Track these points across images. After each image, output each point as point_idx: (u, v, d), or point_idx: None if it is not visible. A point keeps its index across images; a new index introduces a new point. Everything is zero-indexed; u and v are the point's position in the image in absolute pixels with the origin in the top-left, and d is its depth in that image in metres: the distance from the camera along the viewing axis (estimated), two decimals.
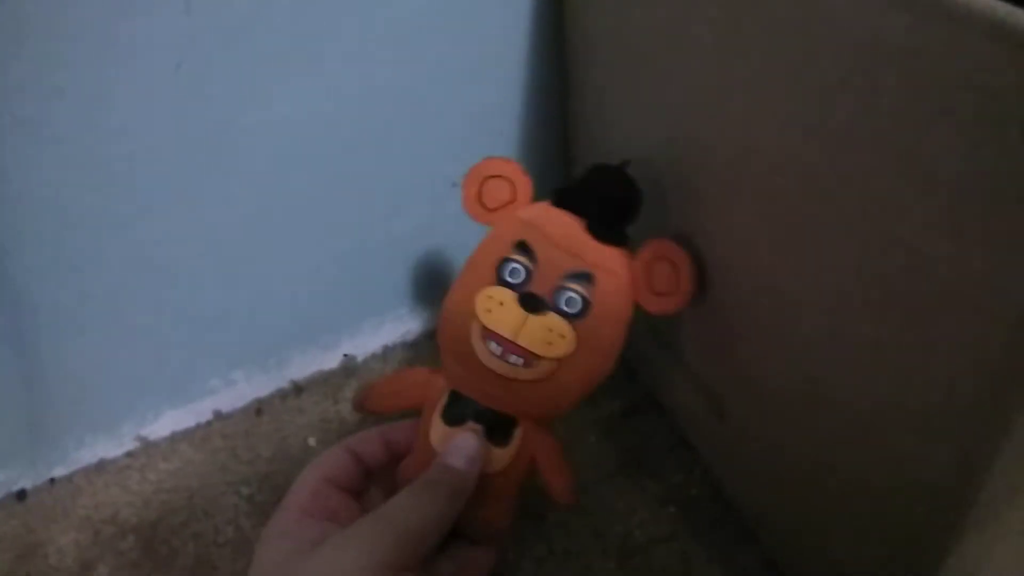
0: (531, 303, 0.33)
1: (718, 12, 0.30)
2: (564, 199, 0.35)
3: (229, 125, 0.38)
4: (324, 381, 0.49)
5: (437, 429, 0.35)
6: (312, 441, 0.46)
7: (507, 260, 0.34)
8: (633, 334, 0.35)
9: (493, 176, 0.36)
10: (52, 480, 0.44)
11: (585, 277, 0.33)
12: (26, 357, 0.40)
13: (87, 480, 0.44)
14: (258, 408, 0.48)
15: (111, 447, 0.45)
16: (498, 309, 0.33)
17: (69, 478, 0.44)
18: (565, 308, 0.33)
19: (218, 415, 0.47)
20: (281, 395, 0.49)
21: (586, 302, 0.33)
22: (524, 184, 0.36)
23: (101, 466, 0.45)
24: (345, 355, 0.50)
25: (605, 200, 0.35)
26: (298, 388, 0.49)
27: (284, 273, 0.45)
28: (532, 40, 0.44)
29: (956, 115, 0.21)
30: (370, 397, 0.38)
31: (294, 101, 0.39)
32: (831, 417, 0.31)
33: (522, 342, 0.33)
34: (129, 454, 0.46)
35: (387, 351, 0.51)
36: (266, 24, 0.36)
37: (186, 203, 0.40)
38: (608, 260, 0.34)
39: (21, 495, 0.44)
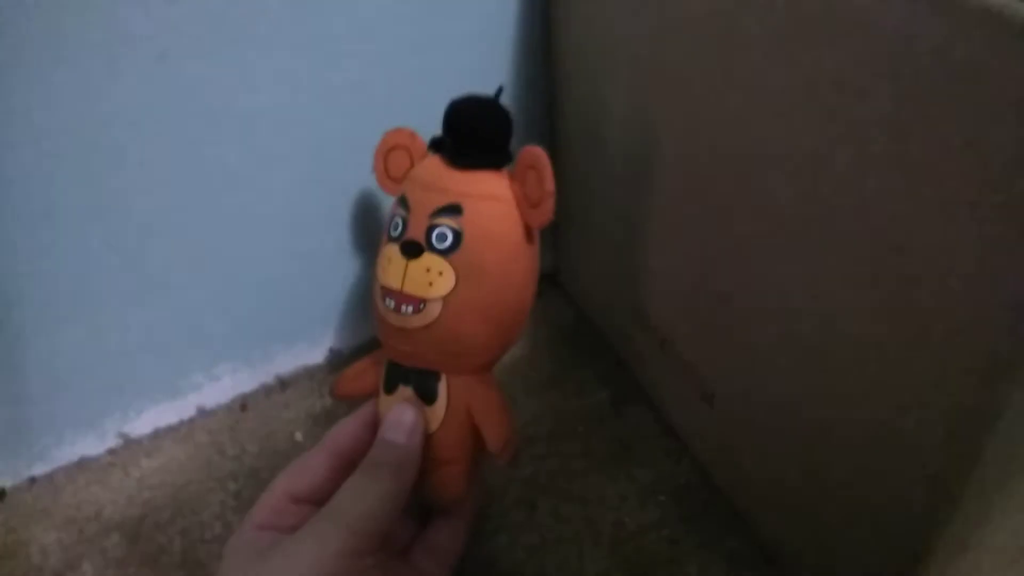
0: (408, 248, 0.33)
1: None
2: (434, 144, 0.35)
3: (213, 117, 0.38)
4: (309, 376, 0.49)
5: (382, 401, 0.35)
6: (299, 435, 0.45)
7: (391, 218, 0.34)
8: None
9: (393, 148, 0.36)
10: (32, 479, 0.43)
11: (451, 209, 0.33)
12: (4, 354, 0.39)
13: (68, 478, 0.44)
14: (243, 403, 0.47)
15: (93, 444, 0.44)
16: (387, 265, 0.34)
17: (50, 477, 0.44)
18: (437, 245, 0.33)
19: (202, 411, 0.47)
20: (266, 390, 0.48)
21: (456, 233, 0.33)
22: (418, 148, 0.36)
23: (82, 464, 0.44)
24: (331, 349, 0.50)
25: (460, 132, 0.34)
26: (283, 383, 0.48)
27: (269, 267, 0.44)
28: (518, 16, 0.44)
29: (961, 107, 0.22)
30: (339, 382, 0.38)
31: (277, 90, 0.39)
32: (821, 405, 0.31)
33: (407, 289, 0.33)
34: (111, 451, 0.45)
35: (373, 345, 0.51)
36: (251, 9, 0.36)
37: (168, 196, 0.39)
38: (475, 186, 0.33)
39: (0, 495, 0.43)
